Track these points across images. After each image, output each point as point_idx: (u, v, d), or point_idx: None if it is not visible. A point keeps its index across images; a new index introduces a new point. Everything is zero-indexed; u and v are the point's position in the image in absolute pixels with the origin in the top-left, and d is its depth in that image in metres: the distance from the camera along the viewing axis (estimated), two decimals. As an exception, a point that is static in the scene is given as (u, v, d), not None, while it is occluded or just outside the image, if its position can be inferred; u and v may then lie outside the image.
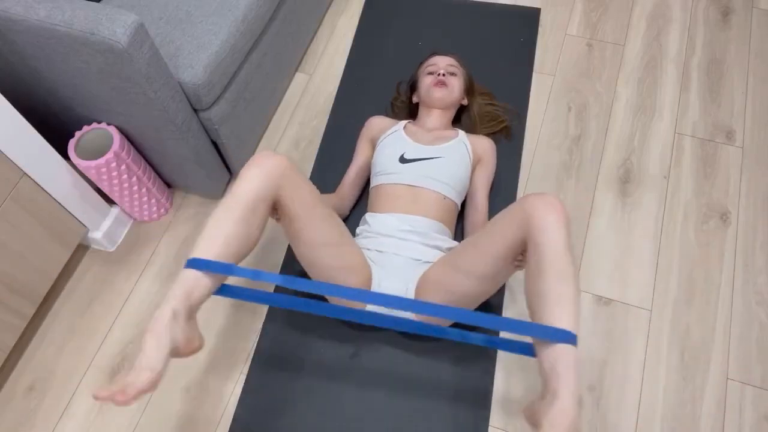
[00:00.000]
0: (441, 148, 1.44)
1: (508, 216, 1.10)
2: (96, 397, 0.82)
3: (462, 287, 1.19)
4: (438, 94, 1.51)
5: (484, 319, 1.00)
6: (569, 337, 0.92)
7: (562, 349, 0.91)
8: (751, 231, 1.53)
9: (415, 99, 1.64)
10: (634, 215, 1.58)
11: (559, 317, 0.95)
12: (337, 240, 1.23)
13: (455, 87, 1.54)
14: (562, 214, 1.02)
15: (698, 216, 1.56)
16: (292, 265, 1.54)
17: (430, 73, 1.55)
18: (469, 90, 1.62)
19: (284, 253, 1.57)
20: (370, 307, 1.27)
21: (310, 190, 1.18)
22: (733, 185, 1.60)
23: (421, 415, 1.32)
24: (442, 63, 1.58)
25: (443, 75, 1.52)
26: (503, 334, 1.37)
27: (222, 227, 1.04)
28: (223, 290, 1.06)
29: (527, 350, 1.03)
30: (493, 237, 1.13)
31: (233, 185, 1.09)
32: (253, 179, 1.08)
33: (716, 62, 1.83)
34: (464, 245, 1.22)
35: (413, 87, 1.65)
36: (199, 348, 0.99)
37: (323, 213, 1.21)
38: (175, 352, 0.94)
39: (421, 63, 1.64)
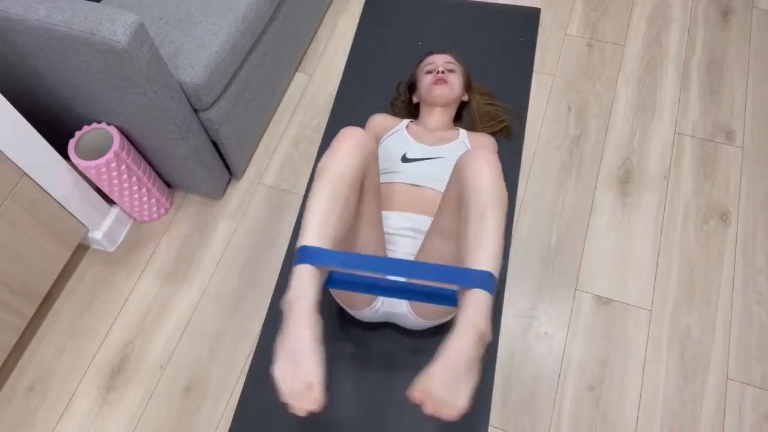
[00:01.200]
0: (443, 149, 1.44)
1: (455, 175, 1.09)
2: (299, 412, 0.83)
3: (439, 250, 1.18)
4: (438, 91, 1.51)
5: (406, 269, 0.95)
6: (484, 278, 0.90)
7: (475, 293, 0.90)
8: (751, 231, 1.53)
9: (415, 99, 1.64)
10: (634, 215, 1.58)
11: (478, 259, 0.93)
12: (378, 221, 1.21)
13: (455, 83, 1.54)
14: (488, 161, 1.01)
15: (698, 216, 1.56)
16: (292, 266, 1.54)
17: (429, 72, 1.55)
18: (468, 86, 1.62)
19: (284, 255, 1.57)
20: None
21: (377, 173, 1.16)
22: (733, 185, 1.60)
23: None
24: (440, 61, 1.58)
25: (442, 72, 1.52)
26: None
27: (330, 212, 0.97)
28: (331, 282, 1.00)
29: (452, 300, 1.01)
30: (447, 196, 1.12)
31: (327, 161, 1.02)
32: (351, 153, 1.02)
33: (716, 62, 1.83)
34: (434, 232, 1.22)
35: (412, 87, 1.65)
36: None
37: (378, 192, 1.19)
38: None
39: (419, 63, 1.64)
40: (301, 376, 0.83)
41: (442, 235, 1.17)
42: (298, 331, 0.86)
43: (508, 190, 1.62)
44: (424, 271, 0.94)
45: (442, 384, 0.82)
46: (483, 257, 0.93)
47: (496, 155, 1.03)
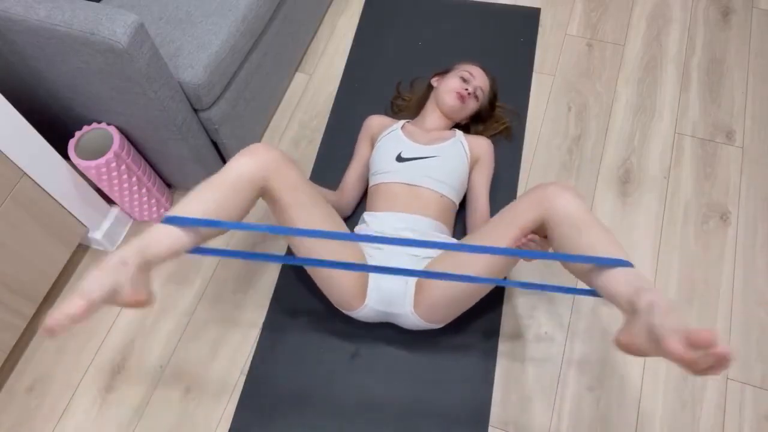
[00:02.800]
0: (438, 148, 1.44)
1: (524, 200, 1.15)
2: (43, 330, 0.81)
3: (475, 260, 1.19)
4: (452, 102, 1.50)
5: (550, 254, 1.04)
6: (629, 265, 0.97)
7: (632, 272, 0.96)
8: (751, 231, 1.53)
9: (435, 82, 1.62)
10: (634, 215, 1.58)
11: (615, 253, 1.00)
12: (332, 242, 1.22)
13: (468, 109, 1.55)
14: (576, 193, 1.10)
15: (698, 216, 1.56)
16: (292, 266, 1.54)
17: (462, 79, 1.54)
18: (477, 117, 1.61)
19: (284, 254, 1.57)
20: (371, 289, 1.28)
21: (303, 185, 1.19)
22: (733, 185, 1.60)
23: (422, 415, 1.32)
24: (477, 81, 1.56)
25: (469, 93, 1.51)
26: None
27: (201, 198, 1.04)
28: (197, 251, 1.05)
29: (590, 292, 1.06)
30: (508, 218, 1.16)
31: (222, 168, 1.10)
32: (243, 164, 1.09)
33: (716, 62, 1.83)
34: (471, 237, 1.24)
35: (442, 74, 1.63)
36: (146, 303, 0.92)
37: (319, 206, 1.21)
38: (118, 297, 0.89)
39: (463, 62, 1.62)
40: (63, 303, 0.84)
41: (470, 263, 1.19)
42: (91, 272, 0.89)
43: (508, 190, 1.63)
44: (574, 257, 1.03)
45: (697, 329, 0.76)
46: (619, 253, 1.01)
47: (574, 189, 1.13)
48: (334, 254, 1.22)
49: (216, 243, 1.60)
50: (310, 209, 1.19)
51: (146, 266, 0.94)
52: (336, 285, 1.26)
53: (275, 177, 1.13)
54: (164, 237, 0.97)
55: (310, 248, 1.23)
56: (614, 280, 0.96)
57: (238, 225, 1.02)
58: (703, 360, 0.71)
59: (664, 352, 0.75)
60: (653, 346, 0.79)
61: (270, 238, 1.60)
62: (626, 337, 0.84)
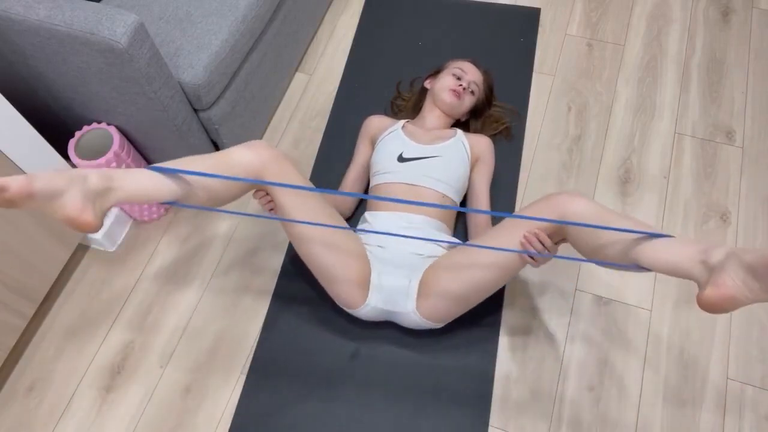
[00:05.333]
0: (439, 148, 1.44)
1: (538, 205, 1.16)
2: None
3: (475, 276, 1.20)
4: (448, 99, 1.50)
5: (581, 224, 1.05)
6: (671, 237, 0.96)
7: (682, 239, 0.95)
8: (751, 231, 1.53)
9: (428, 84, 1.63)
10: (634, 215, 1.58)
11: (645, 237, 0.98)
12: (331, 233, 1.23)
13: (465, 104, 1.55)
14: (587, 197, 1.11)
15: (698, 216, 1.56)
16: (292, 266, 1.54)
17: (456, 76, 1.54)
18: (474, 112, 1.61)
19: (283, 255, 1.57)
20: (373, 298, 1.28)
21: (300, 180, 1.20)
22: (733, 185, 1.60)
23: (422, 415, 1.32)
24: (470, 75, 1.56)
25: (464, 88, 1.51)
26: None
27: (191, 162, 1.05)
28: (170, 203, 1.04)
29: (632, 266, 1.05)
30: (516, 226, 1.16)
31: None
32: (242, 154, 1.11)
33: (716, 62, 1.83)
34: (480, 238, 1.24)
35: (434, 74, 1.64)
36: (88, 227, 0.85)
37: (315, 205, 1.22)
38: (60, 205, 0.83)
39: (454, 59, 1.63)
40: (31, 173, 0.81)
41: (478, 262, 1.20)
42: (75, 170, 0.86)
43: (508, 190, 1.63)
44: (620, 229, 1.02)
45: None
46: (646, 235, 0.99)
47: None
48: (337, 251, 1.22)
49: (222, 234, 1.61)
50: (309, 206, 1.20)
51: (106, 194, 0.89)
52: (338, 283, 1.26)
53: (272, 174, 1.14)
54: (138, 177, 0.95)
55: (308, 252, 1.23)
56: (670, 250, 0.94)
57: (218, 176, 1.00)
58: None
59: None
60: (754, 282, 0.79)
61: (277, 229, 1.60)
62: (716, 291, 0.82)
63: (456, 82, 1.52)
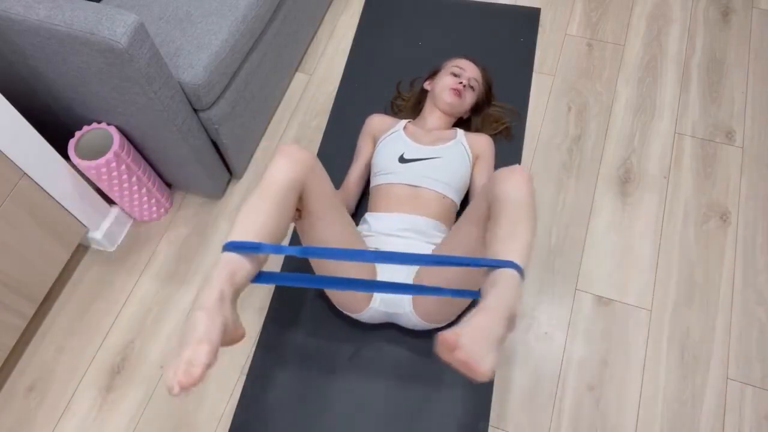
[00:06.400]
0: (440, 149, 1.44)
1: (479, 194, 1.13)
2: (172, 390, 0.77)
3: (462, 274, 1.18)
4: (449, 99, 1.50)
5: (431, 259, 1.04)
6: (515, 267, 0.91)
7: (505, 271, 0.90)
8: (751, 231, 1.53)
9: (427, 86, 1.63)
10: (634, 215, 1.58)
11: (508, 250, 0.93)
12: (349, 240, 1.22)
13: (467, 102, 1.55)
14: (523, 175, 1.04)
15: (698, 216, 1.56)
16: (292, 266, 1.54)
17: (454, 75, 1.54)
18: (476, 108, 1.61)
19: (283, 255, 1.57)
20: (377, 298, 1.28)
21: (331, 188, 1.18)
22: (733, 185, 1.60)
23: (422, 415, 1.32)
24: (469, 72, 1.56)
25: (464, 86, 1.51)
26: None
27: (256, 213, 1.01)
28: (261, 278, 1.02)
29: (474, 294, 1.00)
30: (467, 220, 1.15)
31: (263, 175, 1.06)
32: (284, 168, 1.05)
33: (716, 62, 1.83)
34: (447, 237, 1.24)
35: (432, 75, 1.64)
36: (242, 337, 0.92)
37: (341, 212, 1.21)
38: (226, 335, 0.87)
39: (450, 58, 1.63)
40: (183, 354, 0.80)
41: (461, 243, 1.18)
42: (192, 316, 0.85)
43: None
44: (455, 260, 0.97)
45: (473, 342, 0.78)
46: (514, 249, 0.94)
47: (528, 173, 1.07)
48: (351, 267, 1.23)
49: (222, 233, 1.60)
50: (335, 217, 1.19)
51: (236, 297, 0.93)
52: (344, 290, 1.27)
53: (311, 179, 1.11)
54: (241, 261, 0.94)
55: (327, 262, 1.24)
56: (489, 277, 0.92)
57: (297, 250, 0.97)
58: (455, 364, 0.77)
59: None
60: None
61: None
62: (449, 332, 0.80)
63: (456, 80, 1.52)
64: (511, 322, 0.85)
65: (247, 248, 0.95)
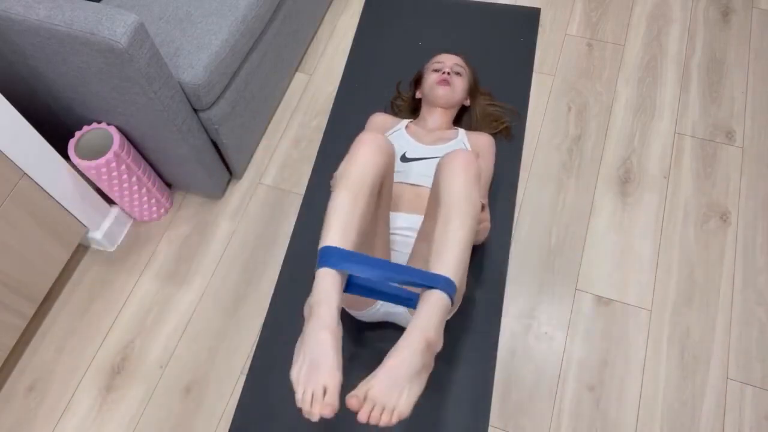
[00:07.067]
0: (441, 148, 1.44)
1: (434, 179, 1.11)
2: (311, 418, 0.81)
3: (422, 253, 1.18)
4: (441, 91, 1.51)
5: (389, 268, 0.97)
6: (443, 282, 0.90)
7: (432, 293, 0.90)
8: (751, 231, 1.53)
9: (418, 95, 1.64)
10: (634, 215, 1.58)
11: (439, 262, 0.93)
12: (388, 221, 1.23)
13: (459, 87, 1.54)
14: (464, 164, 1.01)
15: (698, 216, 1.56)
16: (292, 266, 1.54)
17: (436, 71, 1.55)
18: (473, 91, 1.62)
19: (284, 255, 1.57)
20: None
21: (392, 172, 1.16)
22: (733, 185, 1.60)
23: (422, 415, 1.32)
24: (448, 62, 1.58)
25: (448, 74, 1.52)
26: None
27: (348, 213, 0.97)
28: (351, 287, 0.98)
29: (411, 303, 0.99)
30: (430, 197, 1.13)
31: (348, 166, 1.02)
32: (370, 157, 1.02)
33: (716, 62, 1.83)
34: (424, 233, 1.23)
35: (417, 82, 1.65)
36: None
37: (391, 192, 1.20)
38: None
39: (430, 60, 1.64)
40: (319, 380, 0.82)
41: (425, 239, 1.17)
42: (318, 336, 0.85)
43: (508, 190, 1.63)
44: (399, 271, 0.94)
45: (384, 389, 0.81)
46: (444, 262, 0.93)
47: (474, 158, 1.04)
48: (384, 245, 1.22)
49: (223, 233, 1.60)
50: (388, 196, 1.16)
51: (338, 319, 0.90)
52: None
53: (390, 166, 1.07)
54: (332, 285, 0.91)
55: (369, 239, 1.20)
56: (422, 301, 0.91)
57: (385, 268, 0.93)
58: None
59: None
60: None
61: (278, 228, 1.60)
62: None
63: (439, 74, 1.53)
64: (429, 348, 0.86)
65: (347, 264, 0.91)
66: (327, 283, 0.90)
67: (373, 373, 0.83)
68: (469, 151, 1.05)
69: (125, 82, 1.22)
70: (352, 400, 0.81)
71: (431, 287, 0.91)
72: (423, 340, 0.86)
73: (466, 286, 1.27)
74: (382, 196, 1.14)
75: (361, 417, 0.81)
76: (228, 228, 1.63)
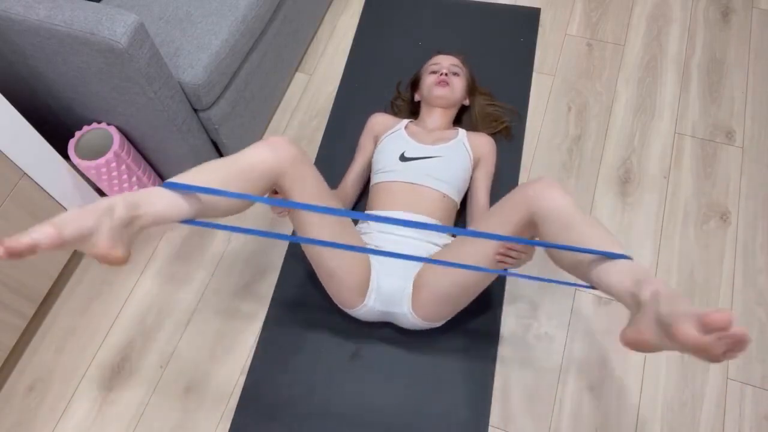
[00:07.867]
0: (440, 148, 1.44)
1: (510, 201, 1.13)
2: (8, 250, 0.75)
3: (460, 275, 1.19)
4: (439, 92, 1.51)
5: (549, 244, 1.01)
6: (627, 258, 0.93)
7: (630, 264, 0.91)
8: (751, 231, 1.53)
9: (417, 97, 1.64)
10: (634, 215, 1.58)
11: (610, 247, 0.95)
12: (340, 234, 1.21)
13: (457, 87, 1.54)
14: (562, 189, 1.06)
15: (698, 216, 1.56)
16: (292, 266, 1.54)
17: (433, 72, 1.56)
18: (471, 91, 1.62)
19: (284, 255, 1.57)
20: (371, 300, 1.28)
21: (318, 187, 1.16)
22: (733, 185, 1.60)
23: (422, 414, 1.32)
24: (445, 62, 1.58)
25: (446, 75, 1.52)
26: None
27: (205, 174, 0.99)
28: (189, 222, 0.98)
29: (586, 285, 1.02)
30: (496, 221, 1.14)
31: (239, 151, 1.04)
32: (259, 155, 1.04)
33: (716, 62, 1.83)
34: (462, 241, 1.23)
35: (415, 85, 1.65)
36: (119, 261, 0.82)
37: (326, 196, 1.19)
38: (91, 245, 0.80)
39: (426, 62, 1.65)
40: (56, 218, 0.78)
41: (464, 261, 1.18)
42: (99, 201, 0.83)
43: (508, 190, 1.62)
44: (572, 247, 0.97)
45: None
46: (615, 247, 0.96)
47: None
48: (342, 254, 1.22)
49: (223, 233, 1.60)
50: (324, 217, 1.17)
51: (132, 223, 0.85)
52: (338, 282, 1.26)
53: (291, 176, 1.09)
54: (158, 199, 0.90)
55: (315, 253, 1.23)
56: (612, 273, 0.91)
57: (240, 195, 0.93)
58: (718, 344, 0.66)
59: (677, 341, 0.68)
60: (664, 337, 0.73)
61: (278, 229, 1.60)
62: (633, 333, 0.77)
63: (436, 75, 1.54)
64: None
65: (178, 187, 0.93)
66: (146, 191, 0.89)
67: (693, 310, 0.70)
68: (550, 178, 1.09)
69: (125, 82, 1.22)
70: (720, 315, 0.66)
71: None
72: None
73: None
74: (309, 197, 1.14)
75: (741, 330, 0.68)
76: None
